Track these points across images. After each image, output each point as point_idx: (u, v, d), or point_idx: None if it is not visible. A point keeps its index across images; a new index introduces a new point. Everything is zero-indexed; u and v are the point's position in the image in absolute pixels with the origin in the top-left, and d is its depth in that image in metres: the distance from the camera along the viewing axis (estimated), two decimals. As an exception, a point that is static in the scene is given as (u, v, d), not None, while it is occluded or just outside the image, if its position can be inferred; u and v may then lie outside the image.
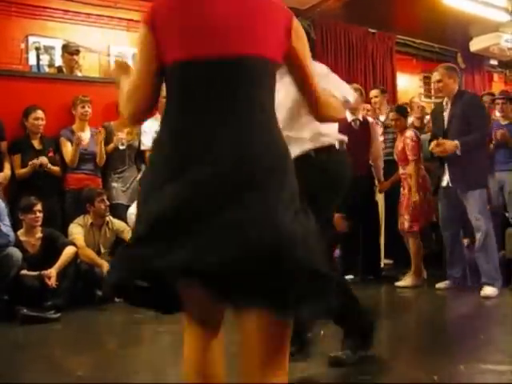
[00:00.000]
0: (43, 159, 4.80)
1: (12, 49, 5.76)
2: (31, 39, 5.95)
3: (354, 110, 5.07)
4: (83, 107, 5.14)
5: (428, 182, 4.86)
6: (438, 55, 9.44)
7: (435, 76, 4.53)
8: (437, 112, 4.76)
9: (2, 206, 4.26)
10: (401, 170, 4.93)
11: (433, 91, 4.62)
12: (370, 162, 5.25)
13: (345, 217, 4.97)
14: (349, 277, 5.12)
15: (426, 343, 3.29)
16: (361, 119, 5.15)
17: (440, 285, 4.64)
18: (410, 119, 5.75)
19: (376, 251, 5.40)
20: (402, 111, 4.98)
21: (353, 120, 5.11)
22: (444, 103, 4.60)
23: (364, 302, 3.14)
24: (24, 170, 4.81)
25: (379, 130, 5.71)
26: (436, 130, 4.67)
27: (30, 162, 4.77)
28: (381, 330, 3.08)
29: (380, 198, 5.70)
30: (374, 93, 6.34)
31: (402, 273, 5.09)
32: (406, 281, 4.83)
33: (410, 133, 4.86)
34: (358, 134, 5.08)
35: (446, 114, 4.51)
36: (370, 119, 5.34)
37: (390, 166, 5.36)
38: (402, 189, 4.89)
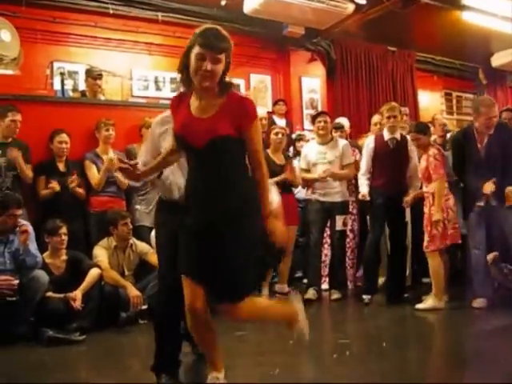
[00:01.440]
0: (71, 180, 4.88)
1: (38, 74, 5.90)
2: (56, 65, 6.09)
3: (393, 129, 5.09)
4: (107, 130, 5.21)
5: (452, 200, 4.75)
6: (459, 71, 9.43)
7: (494, 112, 4.59)
8: (463, 140, 4.79)
9: (31, 230, 4.32)
10: (424, 188, 4.84)
11: (485, 127, 4.61)
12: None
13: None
14: (366, 297, 5.04)
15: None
16: (398, 138, 5.10)
17: (475, 303, 4.52)
18: (433, 137, 5.70)
19: (401, 274, 5.25)
20: (421, 129, 4.88)
21: (389, 139, 5.08)
22: (475, 131, 4.65)
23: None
24: (47, 191, 4.88)
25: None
26: (470, 157, 4.69)
27: (53, 185, 4.85)
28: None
29: (406, 215, 5.63)
30: (403, 111, 6.28)
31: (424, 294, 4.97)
32: (426, 303, 4.68)
33: (433, 151, 4.74)
34: (394, 153, 5.08)
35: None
36: (409, 139, 5.24)
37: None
38: (424, 207, 4.80)
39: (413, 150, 5.17)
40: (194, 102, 2.44)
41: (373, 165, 5.16)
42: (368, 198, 5.08)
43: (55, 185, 4.85)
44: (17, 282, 4.01)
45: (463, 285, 4.89)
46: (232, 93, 2.42)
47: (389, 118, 5.10)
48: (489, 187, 4.49)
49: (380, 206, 5.04)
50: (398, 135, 5.13)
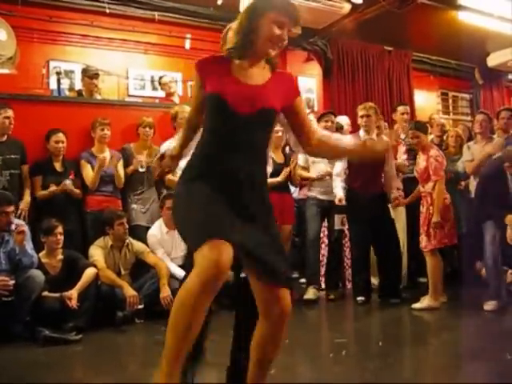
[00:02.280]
0: (67, 184, 4.87)
1: (34, 74, 5.89)
2: (52, 64, 6.08)
3: (367, 129, 5.05)
4: (102, 130, 5.20)
5: (449, 202, 4.77)
6: (455, 71, 9.44)
7: None
8: (494, 176, 4.67)
9: (26, 229, 4.31)
10: (421, 188, 4.86)
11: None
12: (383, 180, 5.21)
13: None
14: (360, 298, 5.02)
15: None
16: (375, 139, 5.03)
17: (488, 306, 4.47)
18: (430, 137, 5.70)
19: (395, 272, 5.21)
20: (421, 128, 4.88)
21: (365, 140, 5.06)
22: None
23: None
24: (44, 193, 4.87)
25: (402, 148, 5.67)
26: (498, 190, 4.59)
27: (52, 189, 4.84)
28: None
29: (402, 217, 5.63)
30: (402, 109, 6.26)
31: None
32: (422, 303, 4.68)
33: (434, 152, 4.75)
34: None
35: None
36: (385, 138, 5.26)
37: (411, 183, 5.33)
38: (421, 207, 4.81)
39: (389, 151, 5.16)
40: (239, 69, 2.20)
41: (349, 166, 5.13)
42: (344, 203, 5.07)
43: (54, 188, 4.84)
44: (12, 282, 4.00)
45: (460, 285, 4.90)
46: (277, 69, 2.30)
47: (362, 117, 5.10)
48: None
49: (361, 207, 5.01)
50: (374, 135, 5.10)
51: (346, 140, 2.41)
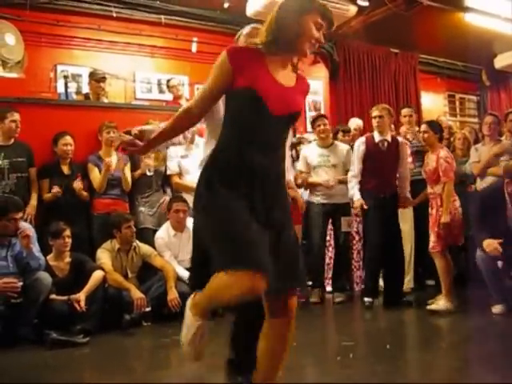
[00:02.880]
0: (77, 184, 4.90)
1: (42, 78, 5.93)
2: (59, 68, 6.12)
3: (381, 129, 5.04)
4: (108, 133, 5.21)
5: (458, 202, 4.75)
6: (462, 73, 9.42)
7: None
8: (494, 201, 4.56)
9: (32, 232, 4.33)
10: (429, 190, 4.82)
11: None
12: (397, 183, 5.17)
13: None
14: (368, 299, 4.98)
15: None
16: (389, 140, 5.08)
17: (495, 310, 4.39)
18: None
19: (398, 276, 5.15)
20: (432, 126, 4.84)
21: (380, 141, 5.05)
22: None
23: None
24: (49, 196, 4.89)
25: (408, 149, 5.64)
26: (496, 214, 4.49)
27: (53, 191, 4.85)
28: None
29: (410, 219, 5.61)
30: (407, 111, 6.23)
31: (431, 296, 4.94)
32: (437, 304, 4.63)
33: (444, 153, 4.73)
34: (385, 154, 5.04)
35: None
36: (400, 139, 5.25)
37: (418, 185, 5.32)
38: (429, 209, 4.79)
39: (404, 151, 5.16)
40: (273, 66, 2.16)
41: (363, 167, 5.08)
42: (366, 207, 4.95)
43: (57, 189, 4.85)
44: (20, 284, 4.01)
45: (467, 287, 4.87)
46: (298, 71, 2.30)
47: (375, 118, 5.06)
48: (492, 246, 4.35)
49: (375, 208, 4.95)
50: (388, 137, 5.09)
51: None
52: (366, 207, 4.95)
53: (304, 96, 2.31)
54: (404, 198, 5.16)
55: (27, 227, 4.30)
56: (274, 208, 2.11)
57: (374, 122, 5.08)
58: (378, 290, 5.22)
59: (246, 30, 2.79)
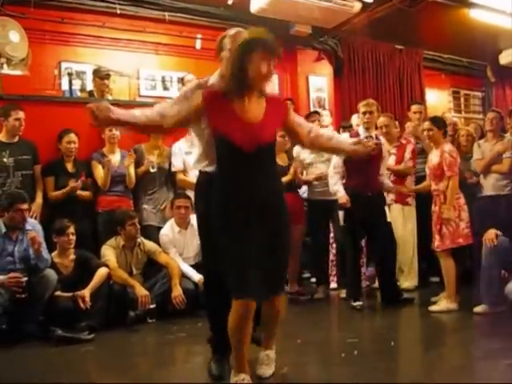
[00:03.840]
0: (75, 185, 4.89)
1: (46, 75, 5.91)
2: (64, 65, 6.10)
3: (369, 125, 4.99)
4: (111, 130, 5.23)
5: (463, 200, 4.71)
6: (466, 69, 9.38)
7: None
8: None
9: (39, 229, 4.35)
10: (433, 186, 4.76)
11: None
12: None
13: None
14: (357, 303, 4.81)
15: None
16: (374, 136, 4.95)
17: (478, 309, 4.37)
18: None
19: (391, 273, 5.07)
20: (436, 122, 4.77)
21: (366, 137, 4.94)
22: None
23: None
24: (56, 194, 4.91)
25: (410, 147, 5.60)
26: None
27: (63, 190, 4.87)
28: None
29: (413, 217, 5.60)
30: (416, 108, 6.16)
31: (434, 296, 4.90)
32: (439, 305, 4.59)
33: (449, 147, 4.69)
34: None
35: None
36: (382, 138, 5.14)
37: (422, 181, 5.30)
38: (433, 205, 4.76)
39: (385, 149, 5.10)
40: (239, 106, 2.54)
41: (347, 164, 4.95)
42: (349, 205, 4.83)
43: (66, 189, 4.86)
44: (25, 279, 4.03)
45: (472, 284, 4.83)
46: (267, 94, 2.64)
47: (364, 113, 4.98)
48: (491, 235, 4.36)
49: (359, 206, 4.81)
50: (373, 133, 5.01)
51: (340, 137, 2.95)
52: (349, 205, 4.83)
53: (278, 114, 2.65)
54: (389, 187, 5.13)
55: (35, 223, 4.32)
56: (268, 220, 2.60)
57: (364, 118, 4.98)
58: (361, 292, 5.13)
59: (232, 32, 2.93)
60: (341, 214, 5.22)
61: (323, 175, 5.33)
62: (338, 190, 4.94)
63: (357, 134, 4.98)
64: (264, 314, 2.86)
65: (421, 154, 5.62)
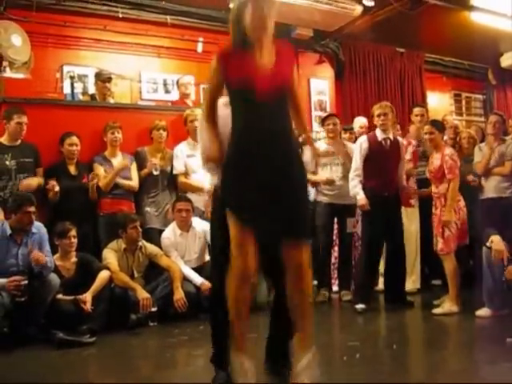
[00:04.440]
0: (93, 177, 4.96)
1: (48, 78, 5.94)
2: (66, 68, 6.13)
3: (384, 127, 5.01)
4: (112, 133, 5.23)
5: (463, 202, 4.72)
6: (467, 72, 9.39)
7: None
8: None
9: (45, 232, 4.35)
10: (434, 189, 4.79)
11: None
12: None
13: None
14: (360, 306, 4.80)
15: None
16: (391, 138, 5.05)
17: (480, 312, 4.37)
18: (444, 138, 5.66)
19: (400, 275, 5.09)
20: (437, 125, 4.80)
21: (383, 139, 5.01)
22: None
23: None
24: (50, 195, 4.85)
25: (410, 148, 5.61)
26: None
27: (47, 186, 4.83)
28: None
29: (415, 219, 5.60)
30: (418, 111, 6.16)
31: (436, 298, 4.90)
32: (443, 308, 4.59)
33: (449, 150, 4.72)
34: (388, 153, 5.01)
35: None
36: (400, 139, 5.25)
37: (422, 184, 5.31)
38: (433, 208, 4.77)
39: (404, 151, 5.14)
40: (251, 54, 2.59)
41: (365, 165, 5.00)
42: (368, 207, 4.88)
43: (53, 184, 4.83)
44: (25, 282, 4.02)
45: (474, 286, 4.83)
46: (276, 42, 2.68)
47: (379, 116, 5.00)
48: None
49: (376, 208, 4.86)
50: (390, 135, 5.04)
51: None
52: (368, 208, 4.89)
53: (288, 64, 2.68)
54: (403, 187, 5.13)
55: (40, 226, 4.33)
56: (281, 165, 2.54)
57: (378, 120, 5.02)
58: (371, 295, 5.13)
59: None
60: (348, 221, 5.24)
61: (333, 180, 5.33)
62: (357, 193, 4.96)
63: (374, 136, 5.02)
64: (290, 296, 2.62)
65: (423, 157, 5.62)
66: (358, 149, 5.06)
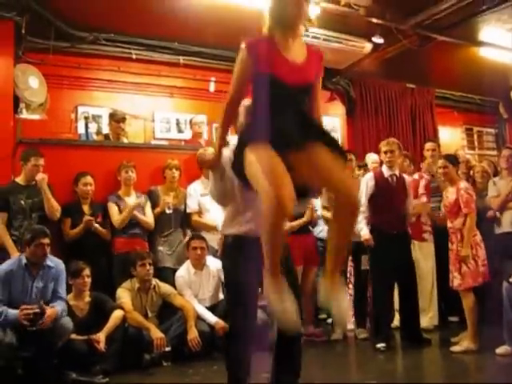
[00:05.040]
0: (89, 219, 4.94)
1: (63, 119, 6.05)
2: (80, 109, 6.24)
3: (391, 164, 5.01)
4: (126, 172, 5.29)
5: (479, 237, 4.66)
6: (479, 106, 9.41)
7: None
8: None
9: (62, 269, 4.35)
10: (449, 224, 4.74)
11: None
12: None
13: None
14: (381, 345, 4.72)
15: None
16: (397, 174, 5.05)
17: (500, 350, 4.27)
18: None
19: (414, 312, 5.01)
20: (451, 160, 4.81)
21: (389, 176, 5.01)
22: None
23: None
24: (74, 231, 4.95)
25: (423, 182, 5.58)
26: None
27: (80, 226, 4.93)
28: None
29: (431, 255, 5.54)
30: (430, 146, 6.16)
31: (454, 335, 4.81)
32: (461, 345, 4.50)
33: (464, 184, 4.70)
34: (395, 189, 5.00)
35: None
36: (406, 176, 5.22)
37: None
38: (449, 244, 4.72)
39: (410, 187, 5.13)
40: (284, 47, 2.55)
41: (372, 202, 5.00)
42: (372, 242, 4.90)
43: (88, 218, 4.93)
44: (36, 311, 3.98)
45: (492, 323, 4.73)
46: (308, 44, 2.69)
47: (385, 153, 5.02)
48: None
49: (385, 245, 4.82)
50: (397, 171, 5.06)
51: None
52: (372, 243, 4.88)
53: (317, 64, 2.65)
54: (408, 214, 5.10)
55: (58, 262, 4.33)
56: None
57: (385, 157, 5.04)
58: (392, 333, 5.07)
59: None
60: (363, 258, 5.20)
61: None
62: (361, 228, 4.94)
63: (381, 173, 5.03)
64: (337, 203, 2.44)
65: (435, 192, 5.60)
66: (364, 186, 5.05)
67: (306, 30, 2.70)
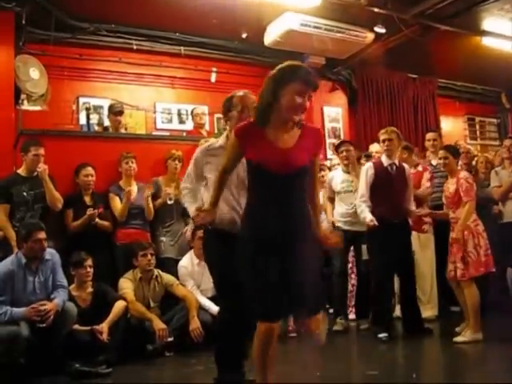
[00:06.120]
0: (92, 212, 4.92)
1: (64, 110, 6.05)
2: (81, 100, 6.24)
3: (389, 153, 5.01)
4: (127, 163, 5.28)
5: (481, 226, 4.65)
6: (481, 96, 9.39)
7: None
8: None
9: (58, 258, 4.34)
10: (451, 215, 4.73)
11: None
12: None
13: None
14: (383, 335, 4.71)
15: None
16: (397, 164, 5.01)
17: None
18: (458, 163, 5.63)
19: (414, 302, 5.03)
20: (451, 150, 4.79)
21: (389, 165, 4.97)
22: None
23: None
24: (76, 223, 4.95)
25: (427, 175, 5.58)
26: None
27: (82, 218, 4.91)
28: None
29: (431, 246, 5.55)
30: (431, 136, 6.15)
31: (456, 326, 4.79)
32: (464, 336, 4.46)
33: (464, 173, 4.69)
34: (395, 178, 4.98)
35: None
36: (405, 165, 5.17)
37: (439, 210, 5.27)
38: (451, 233, 4.71)
39: (410, 176, 5.09)
40: (272, 134, 2.56)
41: (373, 192, 4.96)
42: (376, 223, 4.78)
43: (91, 211, 4.91)
44: (45, 307, 3.99)
45: (495, 314, 4.75)
46: (304, 124, 2.62)
47: (384, 141, 4.99)
48: None
49: (386, 235, 4.77)
50: (396, 160, 5.03)
51: (322, 218, 3.01)
52: (376, 223, 4.77)
53: (313, 143, 2.63)
54: (411, 212, 5.07)
55: (53, 253, 4.34)
56: (294, 245, 2.54)
57: (384, 146, 5.00)
58: (393, 323, 5.06)
59: (240, 93, 3.07)
60: (364, 247, 5.19)
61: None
62: (365, 216, 4.89)
63: (380, 163, 5.01)
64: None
65: (439, 182, 5.58)
66: (364, 175, 5.03)
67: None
